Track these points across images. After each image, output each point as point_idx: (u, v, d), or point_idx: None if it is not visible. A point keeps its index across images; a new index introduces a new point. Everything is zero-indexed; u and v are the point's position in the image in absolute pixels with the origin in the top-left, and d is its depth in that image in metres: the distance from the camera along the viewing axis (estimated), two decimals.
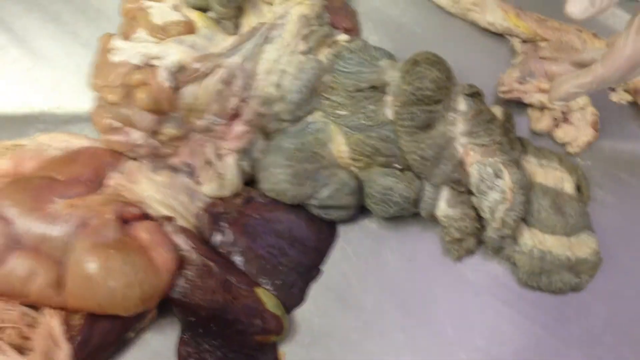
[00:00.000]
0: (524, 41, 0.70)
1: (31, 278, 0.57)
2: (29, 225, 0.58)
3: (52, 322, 0.57)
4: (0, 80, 0.69)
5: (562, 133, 0.66)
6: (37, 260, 0.57)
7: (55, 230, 0.58)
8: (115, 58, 0.61)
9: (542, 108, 0.66)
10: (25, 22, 0.71)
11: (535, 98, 0.66)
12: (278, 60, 0.62)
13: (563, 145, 0.67)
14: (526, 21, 0.69)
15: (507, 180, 0.58)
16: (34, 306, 0.59)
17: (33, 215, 0.58)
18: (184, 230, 0.60)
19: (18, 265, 0.57)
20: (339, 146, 0.62)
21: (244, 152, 0.63)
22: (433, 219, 0.62)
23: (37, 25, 0.71)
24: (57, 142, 0.65)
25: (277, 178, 0.60)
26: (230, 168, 0.62)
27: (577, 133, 0.65)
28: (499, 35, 0.72)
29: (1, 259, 0.57)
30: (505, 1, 0.71)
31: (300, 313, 0.61)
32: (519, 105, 0.68)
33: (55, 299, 0.57)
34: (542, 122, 0.66)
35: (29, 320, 0.58)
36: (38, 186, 0.60)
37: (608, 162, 0.68)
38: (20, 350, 0.58)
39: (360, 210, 0.63)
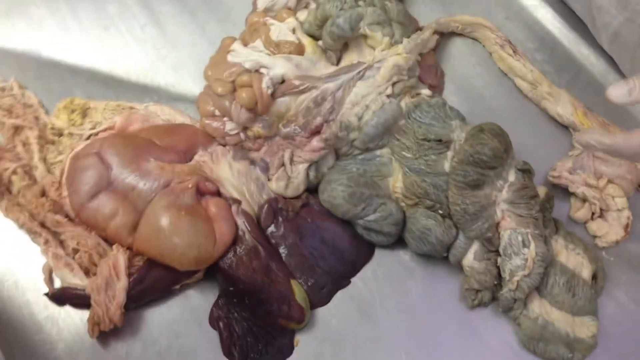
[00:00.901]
0: None
1: (112, 216, 0.65)
2: (123, 173, 0.66)
3: (118, 257, 0.65)
4: (134, 52, 0.78)
5: (596, 226, 0.70)
6: (122, 204, 0.65)
7: (143, 184, 0.66)
8: (232, 58, 0.69)
9: (584, 200, 0.71)
10: (166, 8, 0.81)
11: (580, 190, 0.70)
12: (366, 96, 0.69)
13: (593, 237, 0.71)
14: (591, 121, 0.73)
15: (532, 250, 0.63)
16: (107, 240, 0.67)
17: (129, 167, 0.67)
18: (245, 214, 0.67)
19: (105, 203, 0.66)
20: (396, 182, 0.69)
21: (314, 164, 0.69)
22: (458, 266, 0.68)
23: (174, 13, 0.81)
24: (164, 114, 0.74)
25: (335, 193, 0.67)
26: (299, 174, 0.69)
27: (609, 230, 0.69)
28: (564, 127, 0.76)
29: (94, 194, 0.66)
30: (577, 99, 0.76)
31: (322, 312, 0.67)
32: (564, 192, 0.72)
33: (126, 239, 0.66)
34: (580, 212, 0.71)
35: (101, 250, 0.66)
36: (139, 145, 0.68)
37: (630, 264, 0.70)
38: (87, 272, 0.66)
39: (398, 241, 0.69)
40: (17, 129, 0.71)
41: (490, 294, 0.67)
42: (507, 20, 0.83)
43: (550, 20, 0.83)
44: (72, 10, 0.80)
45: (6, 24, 0.79)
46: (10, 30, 0.79)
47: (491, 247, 0.66)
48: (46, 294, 0.66)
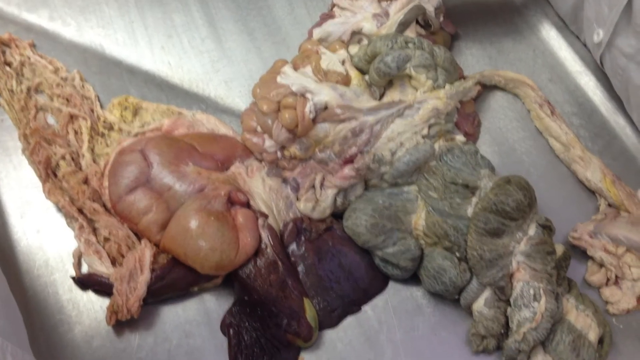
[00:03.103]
0: (609, 205, 0.75)
1: (146, 212, 0.68)
2: (162, 173, 0.69)
3: (145, 251, 0.67)
4: (191, 61, 0.83)
5: (609, 292, 0.71)
6: (156, 202, 0.68)
7: (179, 185, 0.69)
8: (281, 80, 0.72)
9: (600, 265, 0.72)
10: (228, 26, 0.85)
11: (599, 254, 0.71)
12: (402, 133, 0.71)
13: (605, 303, 0.71)
14: (618, 190, 0.74)
15: (542, 305, 0.64)
16: (137, 234, 0.69)
17: (169, 167, 0.70)
18: (270, 229, 0.70)
19: (141, 198, 0.69)
20: (419, 219, 0.71)
21: (343, 191, 0.71)
22: (468, 310, 0.69)
23: (235, 31, 0.85)
24: (209, 123, 0.77)
25: (359, 222, 0.69)
26: (327, 198, 0.71)
27: (622, 298, 0.69)
28: (590, 192, 0.77)
29: (132, 189, 0.69)
30: (607, 166, 0.77)
31: (329, 334, 0.68)
32: (583, 254, 0.73)
33: (155, 236, 0.68)
34: (596, 276, 0.71)
35: (130, 242, 0.69)
36: (181, 148, 0.72)
37: (638, 335, 0.70)
38: (113, 262, 0.69)
39: (413, 277, 0.70)
40: (72, 118, 0.75)
41: (495, 341, 0.67)
42: (550, 82, 0.85)
43: (591, 88, 0.85)
44: (140, 15, 0.85)
45: (79, 19, 0.84)
46: (81, 25, 0.84)
47: (502, 296, 0.67)
48: (72, 277, 0.69)
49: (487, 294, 0.68)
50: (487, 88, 0.84)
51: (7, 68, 0.78)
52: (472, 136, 0.79)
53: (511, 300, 0.67)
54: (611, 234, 0.71)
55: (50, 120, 0.76)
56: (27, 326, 0.63)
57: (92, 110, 0.76)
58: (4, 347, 0.55)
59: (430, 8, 0.80)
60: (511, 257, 0.67)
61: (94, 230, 0.70)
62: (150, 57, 0.83)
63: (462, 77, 0.81)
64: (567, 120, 0.82)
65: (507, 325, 0.67)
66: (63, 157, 0.73)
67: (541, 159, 0.80)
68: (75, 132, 0.75)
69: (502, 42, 0.88)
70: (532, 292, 0.65)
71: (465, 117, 0.78)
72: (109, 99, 0.78)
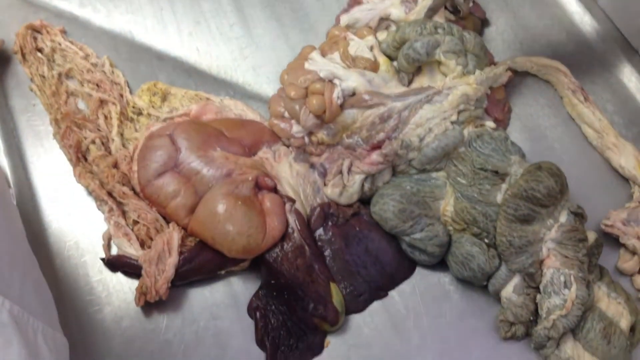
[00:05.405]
0: None
1: (174, 196, 0.69)
2: (190, 157, 0.70)
3: (173, 234, 0.68)
4: (220, 48, 0.83)
5: None
6: (184, 186, 0.69)
7: (207, 170, 0.69)
8: (309, 66, 0.72)
9: (633, 253, 0.70)
10: (256, 12, 0.86)
11: (631, 242, 0.70)
12: (430, 119, 0.70)
13: (638, 291, 0.70)
14: None
15: (572, 292, 0.63)
16: (165, 218, 0.70)
17: (197, 152, 0.70)
18: (297, 213, 0.70)
19: (170, 182, 0.69)
20: (447, 205, 0.70)
21: (370, 177, 0.71)
22: (496, 297, 0.68)
23: (263, 18, 0.85)
24: (237, 109, 0.77)
25: (386, 207, 0.69)
26: (354, 183, 0.71)
27: None
28: (624, 179, 0.76)
29: (161, 173, 0.70)
30: None
31: (356, 319, 0.69)
32: (615, 242, 0.72)
33: (183, 219, 0.69)
34: (628, 264, 0.70)
35: (158, 225, 0.70)
36: (209, 133, 0.72)
37: None
38: (142, 244, 0.70)
39: (440, 263, 0.70)
40: (102, 103, 0.76)
41: (524, 328, 0.67)
42: (583, 68, 0.83)
43: (626, 74, 0.83)
44: (169, 2, 0.86)
45: (109, 5, 0.85)
46: (111, 11, 0.85)
47: (532, 282, 0.66)
48: (102, 259, 0.70)
49: (516, 280, 0.67)
50: (518, 74, 0.82)
51: (39, 54, 0.79)
52: (502, 122, 0.78)
53: (541, 287, 0.66)
54: None
55: (81, 105, 0.77)
56: (57, 307, 0.64)
57: (122, 96, 0.77)
58: (35, 326, 0.56)
59: None
60: (541, 243, 0.66)
61: (123, 214, 0.71)
62: (178, 43, 0.83)
63: (492, 63, 0.80)
64: (601, 107, 0.80)
65: (536, 313, 0.66)
66: (93, 142, 0.74)
67: (573, 145, 0.79)
68: (105, 117, 0.76)
69: (534, 28, 0.86)
70: (562, 279, 0.64)
71: (495, 104, 0.77)
72: (138, 85, 0.79)
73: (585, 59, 0.84)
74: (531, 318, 0.66)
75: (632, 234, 0.70)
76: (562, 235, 0.65)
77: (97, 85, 0.77)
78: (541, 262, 0.66)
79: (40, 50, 0.80)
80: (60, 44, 0.80)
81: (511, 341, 0.68)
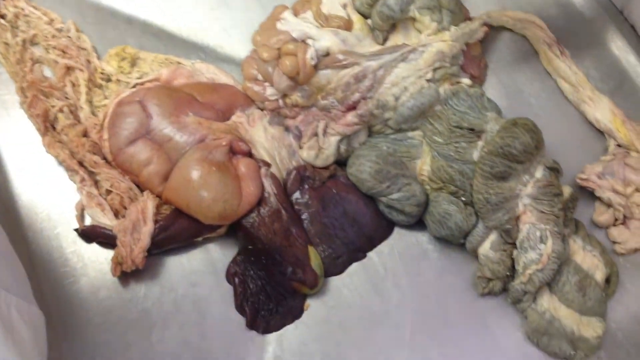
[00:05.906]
0: (619, 145, 0.74)
1: (147, 164, 0.67)
2: (162, 124, 0.68)
3: (147, 202, 0.67)
4: (189, 9, 0.80)
5: (617, 232, 0.70)
6: (157, 153, 0.68)
7: (180, 136, 0.68)
8: (281, 26, 0.71)
9: (608, 205, 0.71)
10: None
11: (607, 195, 0.70)
12: (406, 78, 0.70)
13: (613, 243, 0.71)
14: (628, 130, 0.73)
15: (548, 247, 0.64)
16: (139, 186, 0.69)
17: (169, 118, 0.68)
18: (273, 177, 0.69)
19: (142, 150, 0.68)
20: (423, 165, 0.70)
21: (346, 138, 0.71)
22: (474, 254, 0.69)
23: None
24: (209, 72, 0.75)
25: (363, 168, 0.68)
26: (330, 146, 0.70)
27: (630, 238, 0.69)
28: (600, 132, 0.76)
29: (132, 140, 0.68)
30: (617, 106, 0.76)
31: (335, 281, 0.69)
32: (591, 196, 0.72)
33: (156, 187, 0.68)
34: (604, 217, 0.71)
35: (132, 194, 0.69)
36: (181, 98, 0.70)
37: None
38: (116, 214, 0.69)
39: (418, 223, 0.70)
40: (68, 69, 0.74)
41: (501, 284, 0.67)
42: (559, 21, 0.82)
43: (605, 29, 0.82)
44: None
45: None
46: None
47: (509, 238, 0.67)
48: (76, 230, 0.69)
49: (492, 237, 0.67)
50: (494, 29, 0.81)
51: (2, 20, 0.76)
52: (479, 79, 0.77)
53: (517, 243, 0.66)
54: (620, 174, 0.69)
55: (47, 72, 0.75)
56: (31, 279, 0.64)
57: (89, 62, 0.75)
58: (8, 300, 0.56)
59: None
60: (517, 200, 0.66)
61: (96, 183, 0.70)
62: (146, 6, 0.80)
63: (468, 18, 0.78)
64: (576, 61, 0.79)
65: (512, 268, 0.67)
66: (61, 110, 0.72)
67: (549, 100, 0.79)
68: (73, 84, 0.73)
69: None
70: (538, 234, 0.65)
71: (471, 60, 0.76)
72: (106, 50, 0.76)
73: (562, 15, 0.83)
74: (508, 274, 0.67)
75: (607, 187, 0.70)
76: (538, 191, 0.66)
77: (63, 51, 0.75)
78: (517, 218, 0.66)
79: (2, 16, 0.77)
80: (23, 10, 0.77)
81: (489, 297, 0.69)
